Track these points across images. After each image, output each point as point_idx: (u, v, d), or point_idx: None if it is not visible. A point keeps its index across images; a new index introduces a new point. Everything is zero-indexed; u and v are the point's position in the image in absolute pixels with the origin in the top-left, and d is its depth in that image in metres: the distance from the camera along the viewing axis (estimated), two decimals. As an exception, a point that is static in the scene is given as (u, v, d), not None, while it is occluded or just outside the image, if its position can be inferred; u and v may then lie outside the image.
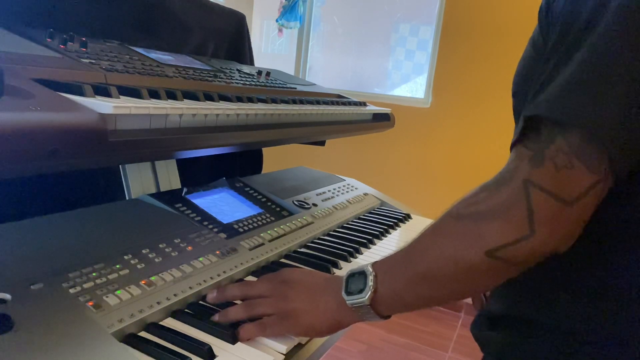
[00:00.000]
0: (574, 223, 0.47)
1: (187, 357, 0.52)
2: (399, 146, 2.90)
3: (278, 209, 0.98)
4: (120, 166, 0.87)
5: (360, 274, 0.58)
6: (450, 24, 2.72)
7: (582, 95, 0.45)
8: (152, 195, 0.84)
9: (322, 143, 1.34)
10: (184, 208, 0.83)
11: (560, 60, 0.48)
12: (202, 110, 0.65)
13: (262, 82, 1.04)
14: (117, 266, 0.61)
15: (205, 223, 0.81)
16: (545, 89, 0.48)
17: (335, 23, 3.38)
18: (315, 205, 1.08)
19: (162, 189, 0.93)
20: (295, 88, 1.13)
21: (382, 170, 2.97)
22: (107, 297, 0.55)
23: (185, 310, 0.62)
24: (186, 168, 1.00)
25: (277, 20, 3.22)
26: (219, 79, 0.90)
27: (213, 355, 0.54)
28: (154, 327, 0.56)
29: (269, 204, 0.99)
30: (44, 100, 0.48)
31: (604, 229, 0.51)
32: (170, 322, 0.59)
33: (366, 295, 0.56)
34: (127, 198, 0.87)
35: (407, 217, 1.22)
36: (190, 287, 0.64)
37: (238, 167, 1.34)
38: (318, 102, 1.03)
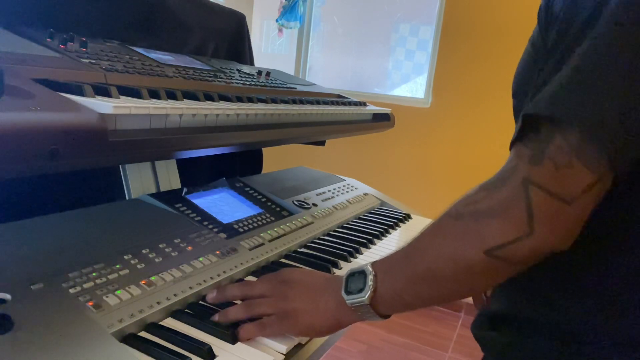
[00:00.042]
0: (573, 222, 0.47)
1: (187, 357, 0.52)
2: (399, 146, 2.90)
3: (278, 209, 0.98)
4: (120, 166, 0.87)
5: (360, 273, 0.58)
6: (450, 24, 2.72)
7: (582, 94, 0.45)
8: (152, 195, 0.84)
9: (322, 143, 1.34)
10: (184, 208, 0.83)
11: (559, 60, 0.48)
12: (202, 110, 0.65)
13: (262, 82, 1.04)
14: (117, 266, 0.61)
15: (205, 223, 0.81)
16: (544, 88, 0.48)
17: (335, 23, 3.38)
18: (315, 205, 1.08)
19: (162, 189, 0.93)
20: (295, 88, 1.13)
21: (382, 170, 2.97)
22: (107, 297, 0.55)
23: (185, 310, 0.62)
24: (186, 168, 1.00)
25: (277, 20, 3.22)
26: (219, 79, 0.90)
27: (213, 355, 0.54)
28: (154, 327, 0.57)
29: (269, 204, 0.99)
30: (44, 100, 0.48)
31: (604, 229, 0.51)
32: (170, 322, 0.59)
33: (366, 295, 0.56)
34: (127, 198, 0.87)
35: (407, 217, 1.22)
36: (190, 287, 0.64)
37: (238, 167, 1.34)
38: (318, 102, 1.03)
